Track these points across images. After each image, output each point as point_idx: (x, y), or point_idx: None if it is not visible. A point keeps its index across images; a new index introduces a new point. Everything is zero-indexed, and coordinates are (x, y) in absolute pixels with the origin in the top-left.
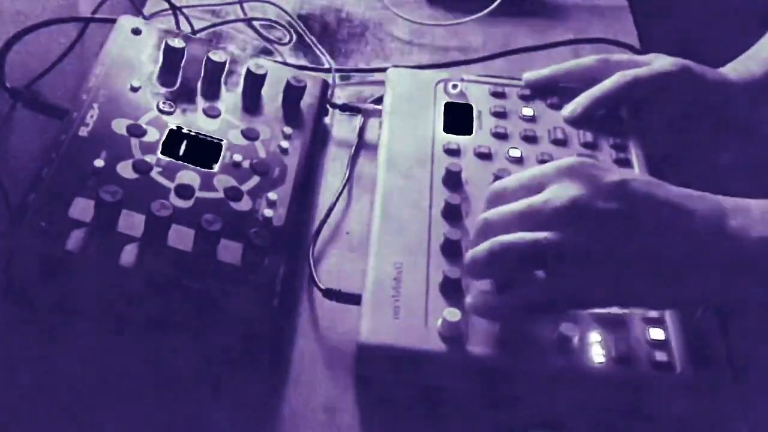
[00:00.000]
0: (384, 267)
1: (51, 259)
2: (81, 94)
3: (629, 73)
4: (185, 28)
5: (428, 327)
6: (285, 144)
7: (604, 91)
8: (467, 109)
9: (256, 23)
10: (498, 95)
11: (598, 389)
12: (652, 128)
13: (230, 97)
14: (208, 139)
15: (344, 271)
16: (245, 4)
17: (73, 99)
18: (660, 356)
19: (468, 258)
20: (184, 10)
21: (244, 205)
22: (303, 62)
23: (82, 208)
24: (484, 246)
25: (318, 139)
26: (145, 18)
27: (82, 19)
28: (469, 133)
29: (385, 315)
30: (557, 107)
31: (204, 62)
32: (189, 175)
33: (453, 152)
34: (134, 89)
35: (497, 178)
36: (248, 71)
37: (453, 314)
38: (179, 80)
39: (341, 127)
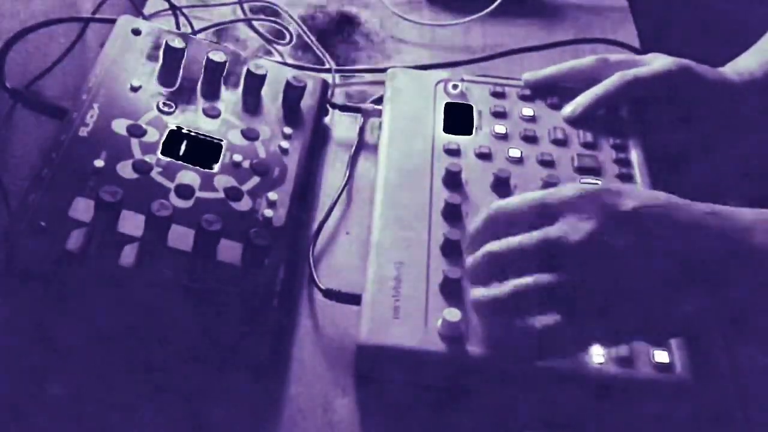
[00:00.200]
0: (384, 267)
1: (51, 259)
2: (81, 94)
3: (629, 73)
4: (185, 28)
5: (428, 327)
6: (285, 144)
7: (604, 91)
8: (467, 109)
9: (256, 23)
10: (498, 95)
11: (599, 390)
12: (652, 128)
13: (230, 97)
14: (208, 139)
15: (344, 271)
16: (245, 4)
17: (73, 99)
18: (660, 357)
19: (480, 298)
20: (184, 10)
21: (244, 205)
22: (303, 62)
23: (82, 208)
24: (498, 292)
25: (318, 139)
26: (145, 18)
27: (82, 19)
28: (469, 133)
29: (385, 315)
30: (557, 107)
31: (204, 62)
32: (189, 175)
33: (453, 152)
34: (134, 89)
35: (497, 178)
36: (248, 71)
37: (453, 314)
38: (179, 80)
39: (341, 127)
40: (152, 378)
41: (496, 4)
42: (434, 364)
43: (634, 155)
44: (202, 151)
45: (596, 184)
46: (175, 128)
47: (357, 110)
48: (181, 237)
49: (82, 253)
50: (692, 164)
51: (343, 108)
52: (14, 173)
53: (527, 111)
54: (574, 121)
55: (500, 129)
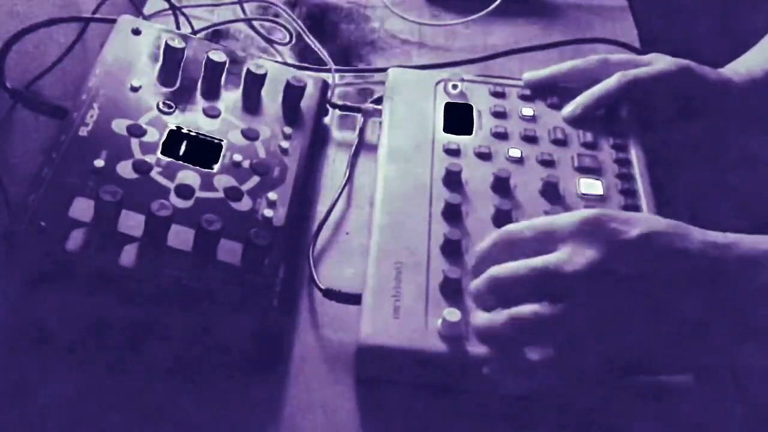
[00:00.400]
0: (384, 267)
1: (51, 259)
2: (81, 94)
3: (629, 73)
4: (185, 28)
5: (428, 327)
6: (285, 144)
7: (604, 91)
8: (467, 109)
9: (256, 23)
10: (498, 95)
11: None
12: (652, 128)
13: (230, 97)
14: (208, 139)
15: (344, 271)
16: (245, 4)
17: (73, 99)
18: None
19: (480, 325)
20: (184, 10)
21: (244, 205)
22: (303, 62)
23: (82, 208)
24: (501, 320)
25: (318, 139)
26: (145, 18)
27: (82, 19)
28: (469, 133)
29: (385, 315)
30: (557, 107)
31: (204, 62)
32: (189, 175)
33: (453, 152)
34: (134, 89)
35: (497, 177)
36: (248, 71)
37: (453, 314)
38: (179, 80)
39: (341, 127)
40: (152, 378)
41: (496, 4)
42: (434, 364)
43: (634, 155)
44: (202, 151)
45: (600, 209)
46: (175, 128)
47: (357, 110)
48: (181, 237)
49: (82, 253)
50: (692, 164)
51: (343, 108)
52: (14, 173)
53: (527, 111)
54: (574, 121)
55: (500, 129)
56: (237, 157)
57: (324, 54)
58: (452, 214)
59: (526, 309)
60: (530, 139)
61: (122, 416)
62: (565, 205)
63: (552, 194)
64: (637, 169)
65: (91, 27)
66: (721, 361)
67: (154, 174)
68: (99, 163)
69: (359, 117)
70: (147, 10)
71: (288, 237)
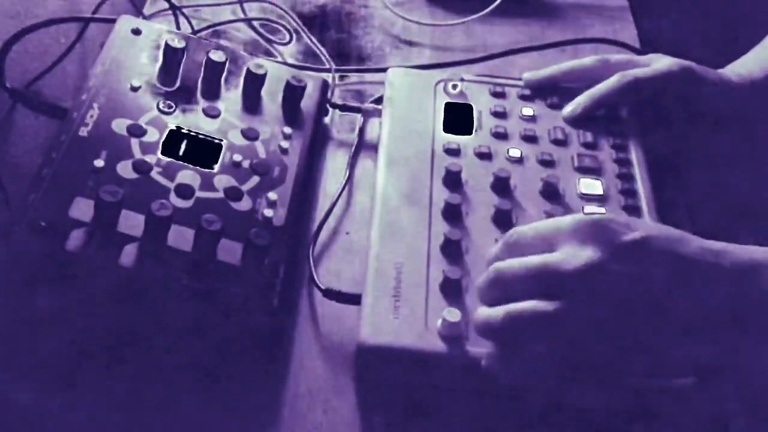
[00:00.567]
0: (384, 267)
1: (51, 259)
2: (81, 94)
3: (629, 73)
4: (185, 28)
5: (428, 327)
6: (285, 144)
7: (604, 91)
8: (467, 109)
9: (256, 23)
10: (498, 95)
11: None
12: (652, 128)
13: (230, 97)
14: (208, 139)
15: (344, 271)
16: (245, 4)
17: (73, 99)
18: None
19: (480, 321)
20: (184, 10)
21: (244, 205)
22: (303, 62)
23: (82, 208)
24: (499, 315)
25: (318, 139)
26: (145, 18)
27: (82, 19)
28: (469, 133)
29: (385, 315)
30: (557, 107)
31: (204, 62)
32: (189, 175)
33: (453, 152)
34: (134, 89)
35: (497, 177)
36: (248, 71)
37: (453, 314)
38: (179, 80)
39: (341, 127)
40: (152, 378)
41: (496, 4)
42: (434, 364)
43: (634, 155)
44: (202, 151)
45: (603, 213)
46: (175, 128)
47: (357, 110)
48: (181, 237)
49: (82, 253)
50: (692, 165)
51: (343, 108)
52: (14, 173)
53: (527, 111)
54: (574, 121)
55: (500, 129)
56: (237, 157)
57: (324, 54)
58: (452, 214)
59: (524, 305)
60: (530, 139)
61: (122, 416)
62: (565, 205)
63: (552, 194)
64: (637, 169)
65: (91, 27)
66: (721, 361)
67: (154, 174)
68: (99, 163)
69: (359, 117)
70: (147, 10)
71: (288, 237)
